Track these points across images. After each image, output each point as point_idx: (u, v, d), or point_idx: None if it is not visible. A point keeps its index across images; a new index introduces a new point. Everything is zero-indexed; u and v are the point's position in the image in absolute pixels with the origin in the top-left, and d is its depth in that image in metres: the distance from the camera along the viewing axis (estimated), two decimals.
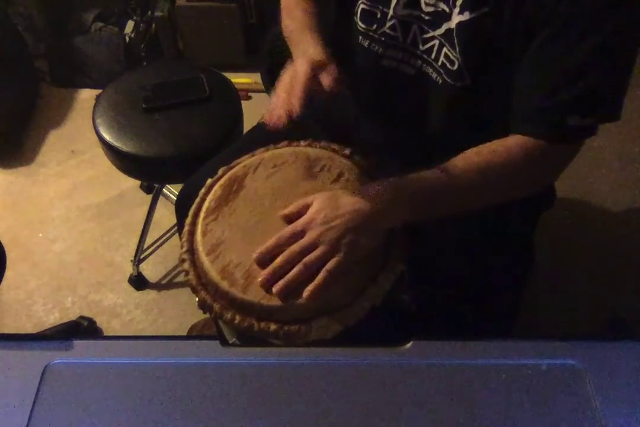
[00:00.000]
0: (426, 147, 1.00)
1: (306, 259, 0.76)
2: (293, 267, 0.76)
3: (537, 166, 0.84)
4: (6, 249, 1.21)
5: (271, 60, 1.44)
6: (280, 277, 0.76)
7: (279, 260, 0.76)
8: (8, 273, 1.20)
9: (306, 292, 0.75)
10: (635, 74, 0.82)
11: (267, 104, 0.83)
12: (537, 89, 0.81)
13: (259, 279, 0.77)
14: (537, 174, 0.87)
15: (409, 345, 0.73)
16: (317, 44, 0.87)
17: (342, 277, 0.77)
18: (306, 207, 0.80)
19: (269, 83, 1.38)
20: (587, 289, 1.65)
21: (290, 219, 0.81)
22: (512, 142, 0.83)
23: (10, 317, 1.67)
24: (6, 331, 1.65)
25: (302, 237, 0.77)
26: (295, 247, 0.77)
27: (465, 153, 0.83)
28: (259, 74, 2.13)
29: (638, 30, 0.78)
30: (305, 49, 0.87)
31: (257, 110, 0.90)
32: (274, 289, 0.76)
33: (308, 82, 0.80)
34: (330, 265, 0.76)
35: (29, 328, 1.64)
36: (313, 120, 1.06)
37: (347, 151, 0.93)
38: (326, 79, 0.80)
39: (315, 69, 0.82)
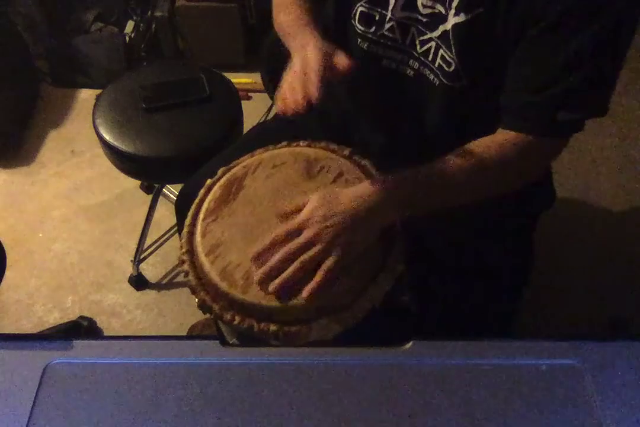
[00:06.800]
0: (425, 148, 1.00)
1: (302, 257, 0.76)
2: (290, 266, 0.76)
3: (529, 160, 0.86)
4: (6, 249, 1.21)
5: (271, 60, 1.44)
6: (277, 276, 0.76)
7: (275, 258, 0.76)
8: (8, 273, 1.19)
9: (305, 292, 0.75)
10: (633, 73, 0.82)
11: (269, 102, 0.81)
12: (527, 84, 0.82)
13: (255, 278, 0.77)
14: (527, 168, 0.87)
15: (409, 345, 0.73)
16: (319, 37, 0.86)
17: (341, 278, 0.77)
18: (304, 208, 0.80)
19: (269, 83, 1.38)
20: (587, 289, 1.65)
21: (288, 219, 0.81)
22: (504, 138, 0.84)
23: (10, 317, 1.67)
24: (6, 331, 1.65)
25: (298, 236, 0.77)
26: (292, 245, 0.76)
27: (459, 149, 0.84)
28: (259, 74, 2.13)
29: (628, 27, 0.78)
30: (305, 42, 0.84)
31: (257, 110, 0.90)
32: (270, 288, 0.76)
33: (323, 69, 0.77)
34: (327, 264, 0.75)
35: (29, 328, 1.64)
36: (313, 121, 1.06)
37: (346, 151, 0.92)
38: (342, 61, 0.78)
39: (326, 57, 0.79)
